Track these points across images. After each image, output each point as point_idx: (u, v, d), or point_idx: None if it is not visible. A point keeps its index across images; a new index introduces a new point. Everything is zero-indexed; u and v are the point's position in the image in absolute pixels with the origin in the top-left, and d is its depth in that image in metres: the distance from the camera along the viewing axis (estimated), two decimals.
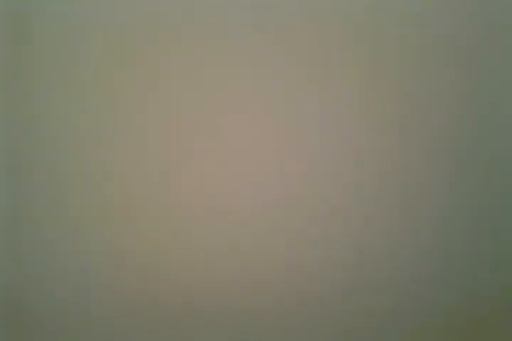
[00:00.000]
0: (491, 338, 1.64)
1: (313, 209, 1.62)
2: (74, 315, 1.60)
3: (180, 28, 1.60)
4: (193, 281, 1.61)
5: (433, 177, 1.64)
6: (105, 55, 1.60)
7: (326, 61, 1.62)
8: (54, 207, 1.60)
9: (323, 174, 1.62)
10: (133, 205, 1.60)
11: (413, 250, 1.64)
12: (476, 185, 1.65)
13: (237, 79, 1.61)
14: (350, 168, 1.62)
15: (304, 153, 1.62)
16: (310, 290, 1.62)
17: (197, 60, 1.61)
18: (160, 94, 1.61)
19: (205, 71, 1.61)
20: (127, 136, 1.60)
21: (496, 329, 1.65)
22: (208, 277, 1.61)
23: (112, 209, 1.60)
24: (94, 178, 1.60)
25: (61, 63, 1.60)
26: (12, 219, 1.59)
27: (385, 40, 1.62)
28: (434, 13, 1.64)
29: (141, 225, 1.60)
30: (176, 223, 1.60)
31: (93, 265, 1.60)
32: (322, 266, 1.62)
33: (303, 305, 1.62)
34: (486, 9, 1.66)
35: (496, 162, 1.65)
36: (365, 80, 1.63)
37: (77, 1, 1.60)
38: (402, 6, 1.63)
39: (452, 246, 1.64)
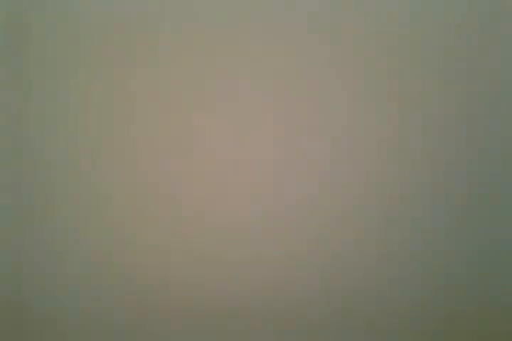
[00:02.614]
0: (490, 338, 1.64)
1: (316, 210, 1.62)
2: (74, 316, 1.60)
3: (182, 27, 1.61)
4: (193, 281, 1.61)
5: (436, 179, 1.64)
6: (105, 55, 1.60)
7: (336, 61, 1.62)
8: (54, 207, 1.60)
9: (328, 176, 1.62)
10: (134, 205, 1.60)
11: (416, 251, 1.64)
12: (478, 186, 1.65)
13: (240, 80, 1.61)
14: (352, 169, 1.62)
15: (307, 154, 1.62)
16: (310, 290, 1.62)
17: (200, 59, 1.61)
18: (162, 94, 1.61)
19: (209, 71, 1.61)
20: (128, 135, 1.61)
21: (495, 330, 1.65)
22: (208, 277, 1.61)
23: (112, 209, 1.60)
24: (94, 178, 1.60)
25: (61, 63, 1.60)
26: (12, 219, 1.59)
27: (396, 40, 1.63)
28: (446, 13, 1.64)
29: (141, 225, 1.60)
30: (177, 223, 1.60)
31: (93, 265, 1.60)
32: (322, 266, 1.62)
33: (303, 306, 1.62)
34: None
35: (495, 162, 1.65)
36: (371, 82, 1.63)
37: (78, 1, 1.60)
38: (414, 7, 1.63)
39: (455, 247, 1.64)
